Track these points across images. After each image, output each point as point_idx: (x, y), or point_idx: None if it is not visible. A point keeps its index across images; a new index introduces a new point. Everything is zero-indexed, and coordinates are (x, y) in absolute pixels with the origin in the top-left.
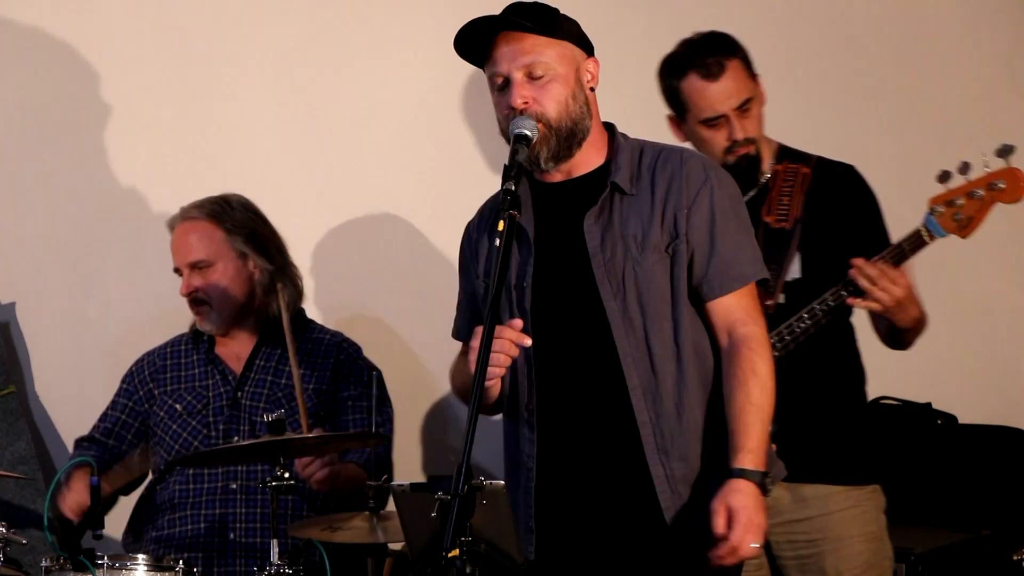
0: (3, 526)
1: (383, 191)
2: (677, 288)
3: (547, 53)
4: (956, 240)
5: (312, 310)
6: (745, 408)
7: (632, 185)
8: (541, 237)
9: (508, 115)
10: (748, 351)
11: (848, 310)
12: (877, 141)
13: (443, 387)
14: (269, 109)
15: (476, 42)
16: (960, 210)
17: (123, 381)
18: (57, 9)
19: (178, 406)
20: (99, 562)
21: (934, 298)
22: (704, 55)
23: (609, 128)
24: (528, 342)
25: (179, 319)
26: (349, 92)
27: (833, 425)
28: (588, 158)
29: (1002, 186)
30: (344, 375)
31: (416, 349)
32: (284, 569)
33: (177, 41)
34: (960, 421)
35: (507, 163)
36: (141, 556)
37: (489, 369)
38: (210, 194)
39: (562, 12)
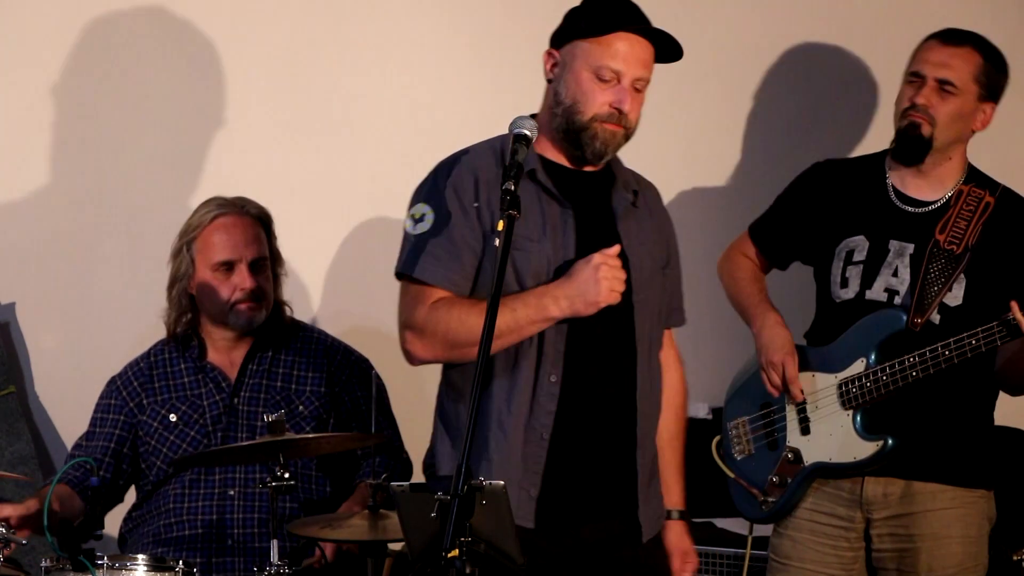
0: (3, 526)
1: (383, 198)
2: (663, 308)
3: (651, 71)
4: None
5: (304, 315)
6: (681, 453)
7: (637, 201)
8: (580, 218)
9: (598, 112)
10: (682, 398)
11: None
12: (877, 142)
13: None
14: (273, 112)
15: (606, 21)
16: None
17: (108, 396)
18: (58, 10)
19: (172, 416)
20: (99, 562)
21: None
22: (957, 29)
23: None
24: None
25: None
26: (352, 95)
27: (954, 429)
28: None
29: None
30: (344, 380)
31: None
32: (284, 569)
33: (180, 43)
34: None
35: (507, 162)
36: (141, 556)
37: (612, 294)
38: (210, 195)
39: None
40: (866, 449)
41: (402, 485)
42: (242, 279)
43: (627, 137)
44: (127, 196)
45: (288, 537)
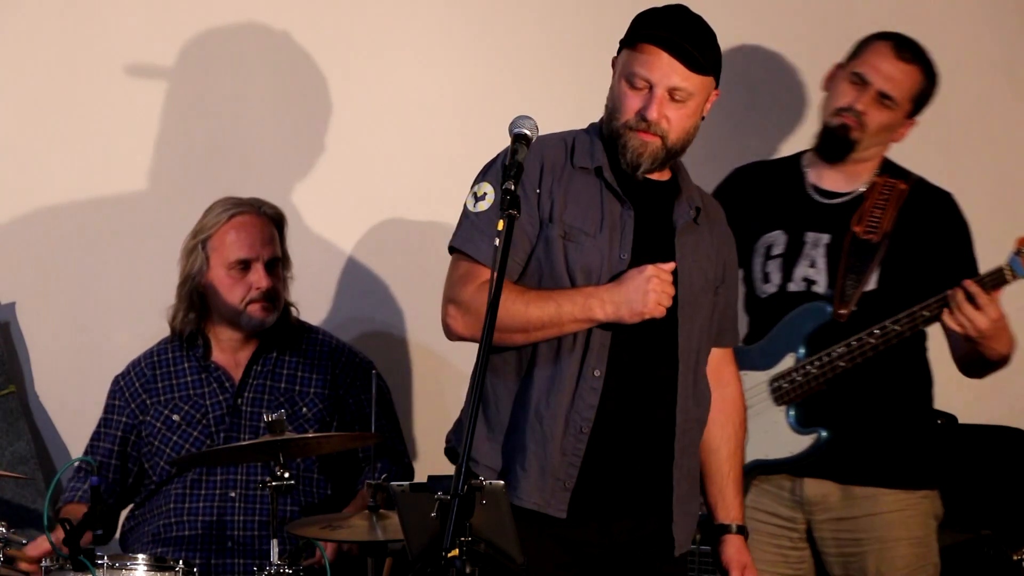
0: (3, 526)
1: (393, 201)
2: (713, 326)
3: (694, 83)
4: None
5: (315, 317)
6: (740, 468)
7: (698, 218)
8: (640, 222)
9: (628, 119)
10: (742, 415)
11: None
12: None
13: (444, 388)
14: (281, 114)
15: (637, 29)
16: None
17: (112, 397)
18: (60, 10)
19: (175, 416)
20: (99, 562)
21: None
22: (908, 40)
23: None
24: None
25: None
26: (364, 98)
27: (891, 430)
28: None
29: None
30: (348, 383)
31: (418, 350)
32: (284, 569)
33: (181, 43)
34: (960, 421)
35: (507, 162)
36: (141, 556)
37: (658, 308)
38: (211, 197)
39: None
40: (801, 443)
41: (402, 485)
42: (258, 278)
43: (667, 149)
44: (128, 196)
45: (288, 540)
